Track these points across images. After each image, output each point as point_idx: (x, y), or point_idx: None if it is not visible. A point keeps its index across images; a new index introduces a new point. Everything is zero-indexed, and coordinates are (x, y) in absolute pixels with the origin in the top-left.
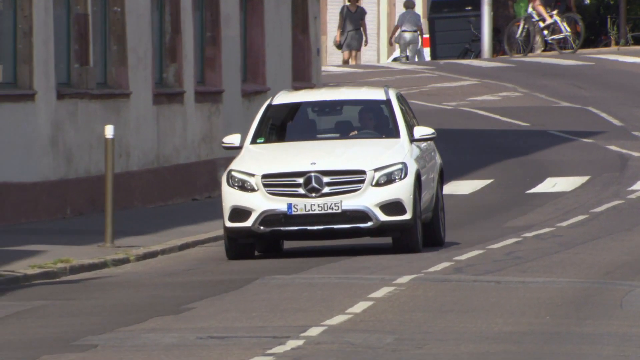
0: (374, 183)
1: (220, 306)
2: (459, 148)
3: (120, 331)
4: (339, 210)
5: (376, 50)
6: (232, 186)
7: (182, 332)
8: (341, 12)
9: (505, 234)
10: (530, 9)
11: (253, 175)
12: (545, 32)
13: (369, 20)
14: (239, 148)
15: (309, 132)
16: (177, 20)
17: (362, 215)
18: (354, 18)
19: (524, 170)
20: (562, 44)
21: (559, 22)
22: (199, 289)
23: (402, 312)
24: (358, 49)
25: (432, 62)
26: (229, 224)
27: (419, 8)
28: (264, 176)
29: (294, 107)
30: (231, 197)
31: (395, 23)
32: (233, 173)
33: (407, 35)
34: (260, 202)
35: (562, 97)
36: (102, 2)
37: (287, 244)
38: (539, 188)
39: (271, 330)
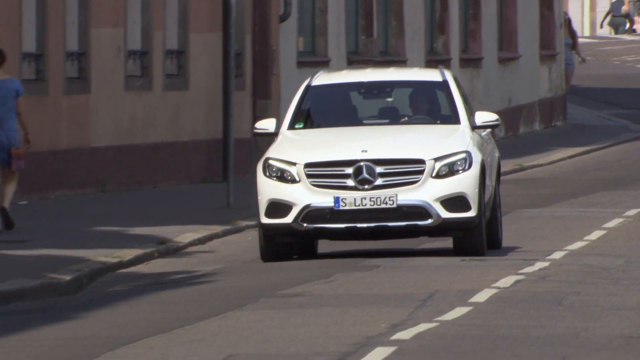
0: (434, 174)
1: None
2: None
3: (400, 254)
4: (394, 205)
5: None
6: (270, 177)
7: (449, 256)
8: None
9: None
10: None
11: (294, 164)
12: None
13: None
14: (274, 134)
15: (355, 117)
16: (444, 1)
17: (420, 211)
18: None
19: None
20: None
21: None
22: None
23: (631, 239)
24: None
25: None
26: (265, 220)
27: None
28: (307, 165)
29: (337, 89)
30: (268, 189)
31: (608, 9)
32: (271, 162)
33: (618, 20)
34: (303, 195)
35: None
36: None
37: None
38: None
39: (522, 254)
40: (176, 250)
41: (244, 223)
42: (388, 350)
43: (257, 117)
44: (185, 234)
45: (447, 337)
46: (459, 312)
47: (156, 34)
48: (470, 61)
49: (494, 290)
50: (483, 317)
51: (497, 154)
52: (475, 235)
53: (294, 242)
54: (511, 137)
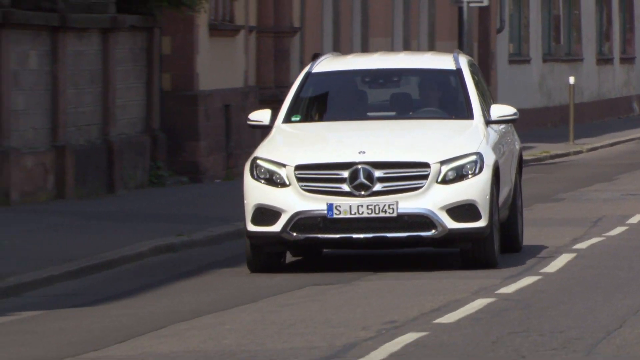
0: (439, 179)
1: (638, 176)
2: None
3: (577, 191)
4: (394, 214)
5: None
6: (257, 179)
7: (613, 192)
8: None
9: None
10: None
11: (284, 165)
12: None
13: None
14: (269, 127)
15: (358, 109)
16: (609, 18)
17: (423, 220)
18: None
19: None
20: None
21: None
22: (624, 167)
23: None
24: None
25: None
26: (252, 228)
27: None
28: (298, 167)
29: (339, 77)
30: (256, 192)
31: None
32: (259, 162)
33: None
34: (293, 201)
35: None
36: (568, 6)
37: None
38: None
39: None
40: None
41: None
42: (571, 256)
43: None
44: None
45: (612, 247)
46: (619, 230)
47: (413, 41)
48: (627, 59)
49: None
50: (636, 234)
51: (517, 146)
52: (485, 247)
53: (285, 251)
54: None
